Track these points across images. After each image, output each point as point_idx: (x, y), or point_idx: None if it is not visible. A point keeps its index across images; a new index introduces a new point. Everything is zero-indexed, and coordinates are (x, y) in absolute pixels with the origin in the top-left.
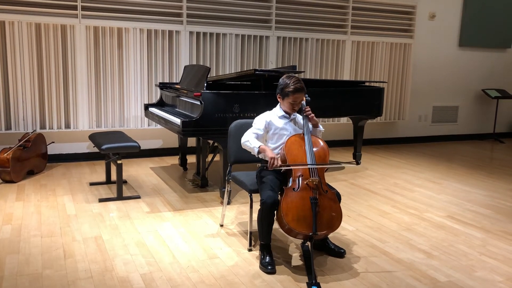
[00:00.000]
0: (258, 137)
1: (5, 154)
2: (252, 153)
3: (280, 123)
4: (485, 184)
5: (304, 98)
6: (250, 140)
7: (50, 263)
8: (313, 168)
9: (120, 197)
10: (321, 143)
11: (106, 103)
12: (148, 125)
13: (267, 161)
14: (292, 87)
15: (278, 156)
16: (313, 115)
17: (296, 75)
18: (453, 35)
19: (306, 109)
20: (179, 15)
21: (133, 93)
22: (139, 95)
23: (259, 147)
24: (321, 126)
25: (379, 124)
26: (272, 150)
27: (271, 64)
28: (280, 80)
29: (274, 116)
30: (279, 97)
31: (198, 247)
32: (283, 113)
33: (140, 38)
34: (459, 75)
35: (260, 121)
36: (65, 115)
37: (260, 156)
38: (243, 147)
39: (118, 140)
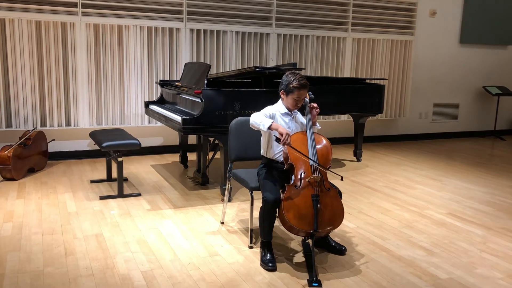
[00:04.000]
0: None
1: (5, 152)
2: (260, 128)
3: (283, 120)
4: (485, 181)
5: (308, 96)
6: (262, 117)
7: (51, 261)
8: (315, 166)
9: (120, 194)
10: (324, 141)
11: (106, 100)
12: (149, 122)
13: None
14: (296, 83)
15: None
16: (318, 110)
17: (301, 72)
18: (454, 32)
19: (313, 104)
20: (179, 12)
21: (133, 90)
22: (140, 93)
23: (272, 122)
24: (318, 124)
25: (380, 121)
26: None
27: (272, 61)
28: (284, 76)
29: (277, 112)
30: (283, 93)
31: (199, 245)
32: (286, 110)
33: (141, 35)
34: (459, 72)
35: (268, 111)
36: (65, 112)
37: (283, 155)
38: (251, 123)
39: (118, 137)
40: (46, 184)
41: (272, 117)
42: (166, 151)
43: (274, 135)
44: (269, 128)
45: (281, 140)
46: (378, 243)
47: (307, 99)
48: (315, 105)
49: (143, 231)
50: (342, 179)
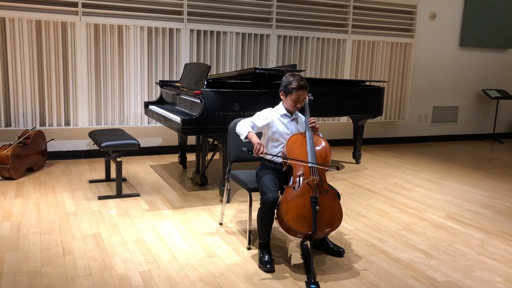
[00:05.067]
0: (253, 127)
1: (4, 151)
2: (241, 138)
3: (282, 122)
4: (484, 184)
5: (307, 97)
6: (245, 126)
7: (49, 260)
8: (314, 167)
9: (119, 194)
10: (323, 142)
11: (106, 100)
12: (148, 123)
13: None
14: (295, 84)
15: (263, 144)
16: (318, 126)
17: (301, 74)
18: (454, 35)
19: (311, 120)
20: (179, 13)
21: (133, 90)
22: (139, 93)
23: (248, 132)
24: (320, 134)
25: (379, 124)
26: (257, 137)
27: (272, 62)
28: (284, 77)
29: (276, 115)
30: (282, 95)
31: (197, 245)
32: (285, 112)
33: (141, 35)
34: (459, 75)
35: (261, 116)
36: (65, 112)
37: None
38: (236, 131)
39: (117, 137)
40: (45, 184)
41: (265, 122)
42: (165, 151)
43: (244, 148)
44: (246, 138)
45: (254, 151)
46: (376, 245)
47: (307, 101)
48: (313, 121)
49: (141, 231)
50: (338, 169)
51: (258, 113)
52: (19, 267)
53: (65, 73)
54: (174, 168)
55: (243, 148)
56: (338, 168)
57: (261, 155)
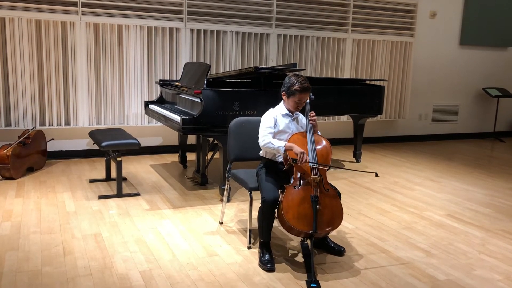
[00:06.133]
0: (272, 135)
1: (4, 151)
2: (276, 153)
3: (284, 121)
4: (485, 183)
5: (308, 97)
6: (272, 141)
7: (50, 260)
8: (317, 167)
9: (119, 194)
10: (324, 142)
11: (106, 100)
12: (148, 122)
13: (286, 159)
14: (298, 86)
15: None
16: (314, 118)
17: (301, 73)
18: (454, 33)
19: (311, 114)
20: (179, 12)
21: (133, 90)
22: (139, 92)
23: (284, 145)
24: (319, 132)
25: (380, 123)
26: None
27: (272, 62)
28: (287, 78)
29: (278, 114)
30: (284, 95)
31: (198, 245)
32: (287, 112)
33: (141, 35)
34: (459, 74)
35: (269, 119)
36: (65, 112)
37: (283, 155)
38: (264, 150)
39: (118, 137)
40: (45, 183)
41: (274, 125)
42: (166, 151)
43: (289, 158)
44: (285, 151)
45: (298, 160)
46: (377, 244)
47: (308, 100)
48: (313, 116)
49: (141, 231)
50: (377, 175)
51: (264, 119)
52: (20, 267)
53: (65, 72)
54: (174, 167)
55: (288, 157)
56: (376, 175)
57: (305, 163)
